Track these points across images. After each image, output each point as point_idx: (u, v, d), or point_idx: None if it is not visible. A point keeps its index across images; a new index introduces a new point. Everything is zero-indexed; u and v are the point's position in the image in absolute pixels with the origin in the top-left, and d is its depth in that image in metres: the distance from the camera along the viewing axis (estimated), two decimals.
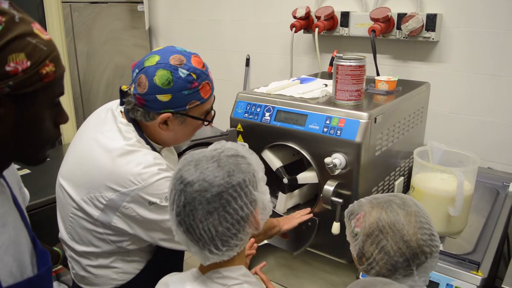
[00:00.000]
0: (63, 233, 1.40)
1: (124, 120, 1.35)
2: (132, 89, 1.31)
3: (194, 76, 1.28)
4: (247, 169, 0.99)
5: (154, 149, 1.37)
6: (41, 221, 2.05)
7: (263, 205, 1.02)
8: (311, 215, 1.69)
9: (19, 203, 0.99)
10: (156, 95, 1.26)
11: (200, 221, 0.95)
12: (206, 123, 1.40)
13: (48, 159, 0.95)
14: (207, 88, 1.33)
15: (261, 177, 1.04)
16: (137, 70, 1.30)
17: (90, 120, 1.44)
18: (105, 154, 1.27)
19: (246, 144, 1.13)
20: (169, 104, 1.28)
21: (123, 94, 1.35)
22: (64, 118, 0.93)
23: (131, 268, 1.39)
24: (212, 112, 1.42)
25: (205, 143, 1.70)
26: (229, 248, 0.99)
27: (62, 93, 0.89)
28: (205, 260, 1.01)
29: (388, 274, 1.05)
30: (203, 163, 0.97)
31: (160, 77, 1.25)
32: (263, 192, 1.02)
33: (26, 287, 0.90)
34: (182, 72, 1.26)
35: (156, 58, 1.28)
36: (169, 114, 1.30)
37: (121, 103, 1.37)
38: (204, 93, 1.32)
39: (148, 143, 1.36)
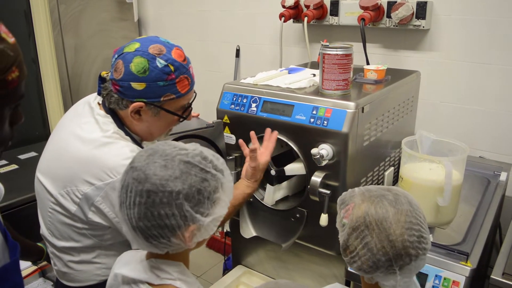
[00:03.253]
0: (43, 229, 1.38)
1: (102, 112, 1.32)
2: (110, 74, 1.29)
3: (171, 68, 1.24)
4: (193, 183, 0.93)
5: (135, 140, 1.35)
6: (26, 218, 2.02)
7: (199, 226, 0.95)
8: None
9: None
10: (131, 83, 1.23)
11: (126, 206, 0.93)
12: (181, 119, 1.37)
13: None
14: (185, 83, 1.29)
15: (215, 199, 0.96)
16: (116, 56, 1.27)
17: (68, 114, 1.41)
18: (81, 147, 1.25)
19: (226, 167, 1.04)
20: (142, 93, 1.25)
21: (102, 81, 1.32)
22: (20, 118, 0.89)
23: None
24: (190, 109, 1.38)
25: (190, 136, 1.67)
26: (151, 245, 0.96)
27: (22, 96, 0.85)
28: (132, 243, 0.99)
29: (369, 270, 1.02)
30: (156, 156, 0.95)
31: (137, 64, 1.22)
32: (206, 214, 0.95)
33: None
34: (160, 62, 1.23)
35: (136, 45, 1.25)
36: (142, 104, 1.27)
37: (99, 91, 1.34)
38: (181, 87, 1.29)
39: (127, 134, 1.34)
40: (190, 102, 1.37)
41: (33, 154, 2.66)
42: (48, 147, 1.37)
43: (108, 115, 1.31)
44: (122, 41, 3.24)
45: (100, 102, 1.35)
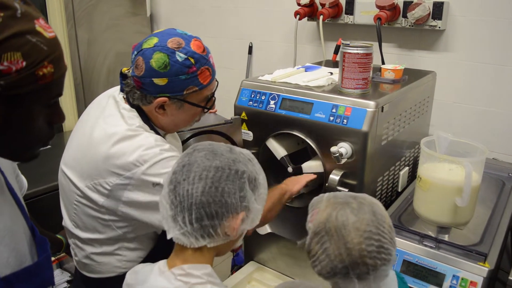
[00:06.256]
0: (66, 221, 1.39)
1: (127, 106, 1.33)
2: (131, 71, 1.29)
3: (192, 60, 1.24)
4: (251, 169, 1.01)
5: (158, 134, 1.36)
6: (43, 209, 2.04)
7: (250, 212, 1.00)
8: (315, 176, 1.64)
9: (15, 192, 0.96)
10: (152, 79, 1.24)
11: (188, 182, 0.95)
12: (205, 110, 1.38)
13: (37, 157, 0.91)
14: (206, 74, 1.30)
15: (262, 186, 1.04)
16: (135, 52, 1.28)
17: (91, 107, 1.42)
18: (106, 140, 1.25)
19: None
20: (165, 89, 1.26)
21: (123, 77, 1.33)
22: (60, 118, 0.89)
23: (134, 256, 1.37)
24: (213, 98, 1.39)
25: (208, 131, 1.68)
26: (199, 228, 0.96)
27: (60, 94, 0.85)
28: (169, 230, 0.99)
29: (328, 276, 1.04)
30: (216, 146, 1.02)
31: (157, 60, 1.22)
32: (257, 200, 1.01)
33: (24, 276, 0.88)
34: (180, 56, 1.23)
35: (154, 40, 1.25)
36: (165, 99, 1.27)
37: (121, 88, 1.35)
38: (203, 78, 1.29)
39: (152, 128, 1.35)
40: (213, 91, 1.38)
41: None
42: (73, 140, 1.38)
43: (133, 109, 1.32)
44: (135, 36, 3.29)
45: (125, 96, 1.36)
